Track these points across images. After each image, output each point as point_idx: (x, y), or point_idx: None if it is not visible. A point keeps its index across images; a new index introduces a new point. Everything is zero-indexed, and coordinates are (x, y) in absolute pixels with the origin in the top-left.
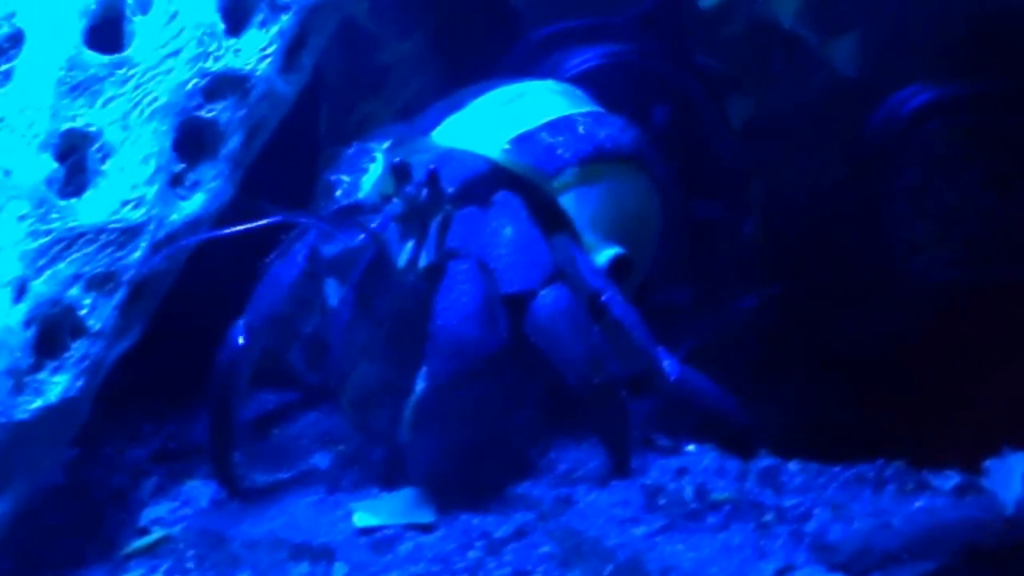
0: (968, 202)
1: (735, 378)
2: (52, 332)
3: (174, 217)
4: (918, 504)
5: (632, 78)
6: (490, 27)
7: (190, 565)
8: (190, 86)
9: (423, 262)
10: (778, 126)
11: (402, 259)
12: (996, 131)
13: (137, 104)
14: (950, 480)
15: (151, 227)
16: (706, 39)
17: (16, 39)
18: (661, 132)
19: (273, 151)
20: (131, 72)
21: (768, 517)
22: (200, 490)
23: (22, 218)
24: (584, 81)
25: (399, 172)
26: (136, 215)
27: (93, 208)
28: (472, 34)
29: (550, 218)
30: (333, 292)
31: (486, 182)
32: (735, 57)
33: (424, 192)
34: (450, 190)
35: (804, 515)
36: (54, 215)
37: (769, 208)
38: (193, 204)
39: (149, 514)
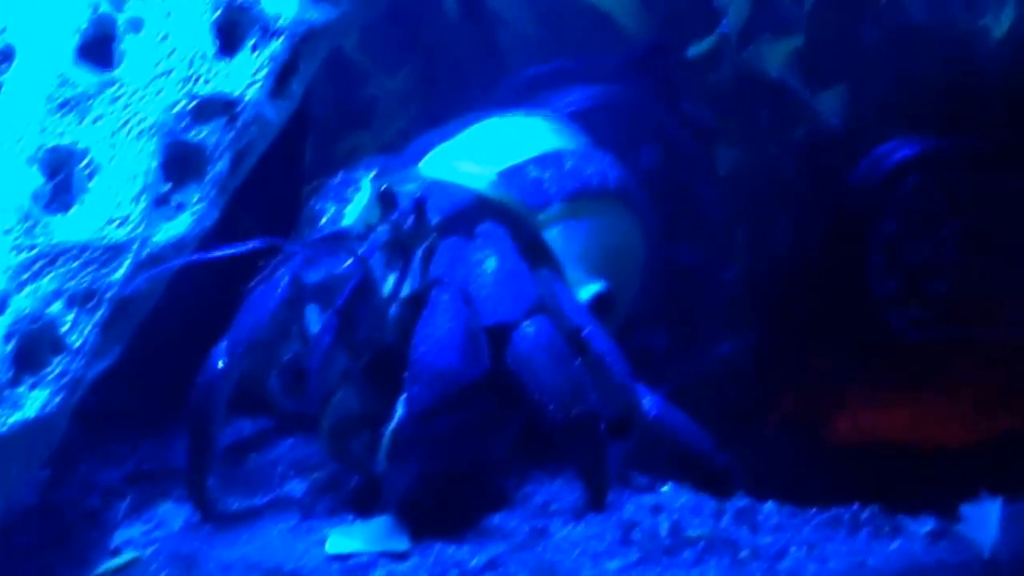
0: (943, 260)
1: (708, 423)
2: (32, 347)
3: (158, 238)
4: (893, 546)
5: (619, 120)
6: (477, 64)
7: None
8: (179, 107)
9: (406, 290)
10: (762, 175)
11: (385, 287)
12: (973, 189)
13: (126, 123)
14: (925, 525)
15: (135, 246)
16: (693, 86)
17: (7, 54)
18: (647, 175)
19: (258, 178)
20: (120, 91)
21: (743, 554)
22: (174, 512)
23: (6, 232)
24: (571, 121)
25: (385, 200)
26: (121, 234)
27: (78, 225)
28: (459, 70)
29: (534, 252)
30: (314, 319)
31: (472, 213)
32: (721, 105)
33: (410, 220)
34: (435, 219)
35: (779, 553)
36: (39, 230)
37: (750, 256)
38: (178, 226)
39: (121, 535)
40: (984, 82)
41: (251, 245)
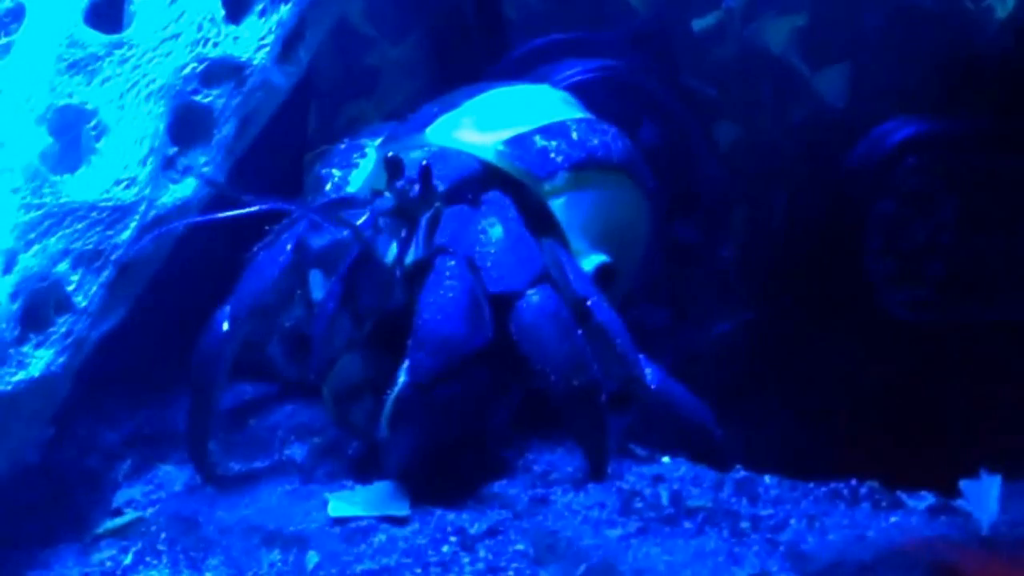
0: (941, 241)
1: (707, 400)
2: (38, 306)
3: (165, 200)
4: (893, 520)
5: (620, 94)
6: (482, 36)
7: (162, 547)
8: (187, 70)
9: (411, 257)
10: (762, 152)
11: (390, 254)
12: (972, 170)
13: (134, 85)
14: (924, 500)
15: (141, 208)
16: (696, 62)
17: (17, 14)
18: (646, 150)
19: (264, 144)
20: (130, 53)
21: (743, 525)
22: (174, 475)
23: (14, 191)
24: (573, 93)
25: (392, 166)
26: (127, 195)
27: (85, 185)
28: (464, 42)
29: (539, 221)
30: (318, 284)
31: (478, 181)
32: (723, 81)
33: (415, 188)
34: (441, 187)
35: (779, 525)
36: (46, 190)
37: (749, 233)
38: (184, 188)
39: (122, 496)
40: (986, 63)
41: (257, 207)
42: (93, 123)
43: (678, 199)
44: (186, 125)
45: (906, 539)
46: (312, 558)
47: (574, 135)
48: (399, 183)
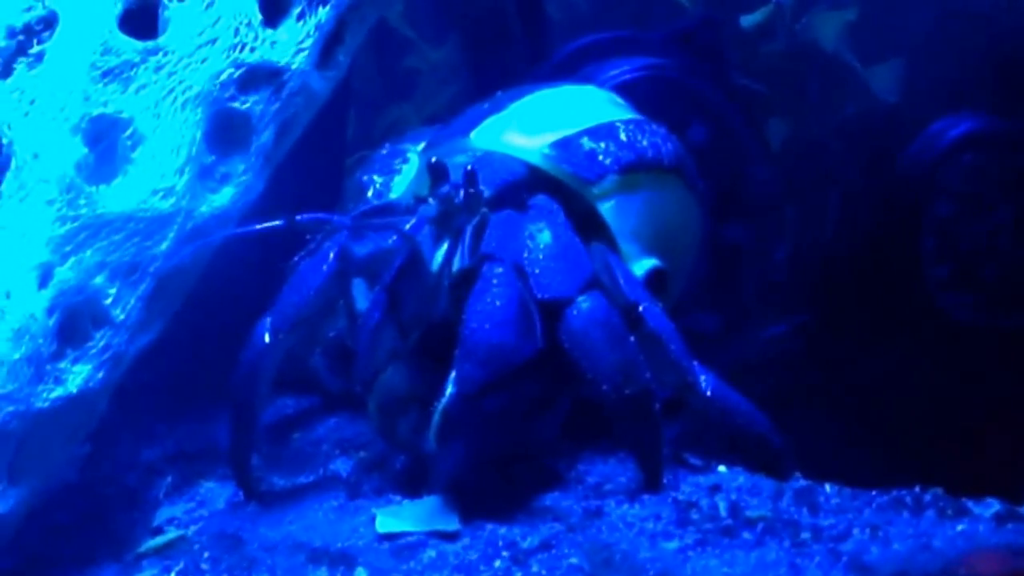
0: (997, 243)
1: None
2: (75, 321)
3: (203, 209)
4: (959, 528)
5: (668, 93)
6: (525, 36)
7: (205, 566)
8: (224, 76)
9: (457, 265)
10: (814, 150)
11: (435, 262)
12: None
13: (170, 92)
14: (990, 507)
15: (179, 219)
16: (745, 59)
17: (49, 22)
18: (696, 151)
19: (303, 150)
20: (165, 59)
21: (804, 535)
22: (216, 491)
23: (50, 202)
24: (620, 93)
25: (436, 172)
26: (165, 205)
27: (121, 196)
28: (506, 42)
29: (588, 225)
30: (360, 294)
31: (524, 186)
32: (773, 78)
33: (461, 193)
34: (487, 192)
35: (841, 535)
36: (82, 201)
37: (800, 235)
38: (222, 197)
39: (164, 514)
40: None
41: (301, 219)
42: (128, 132)
43: (728, 200)
44: (224, 132)
45: (973, 548)
46: (360, 575)
47: (623, 136)
48: (444, 189)
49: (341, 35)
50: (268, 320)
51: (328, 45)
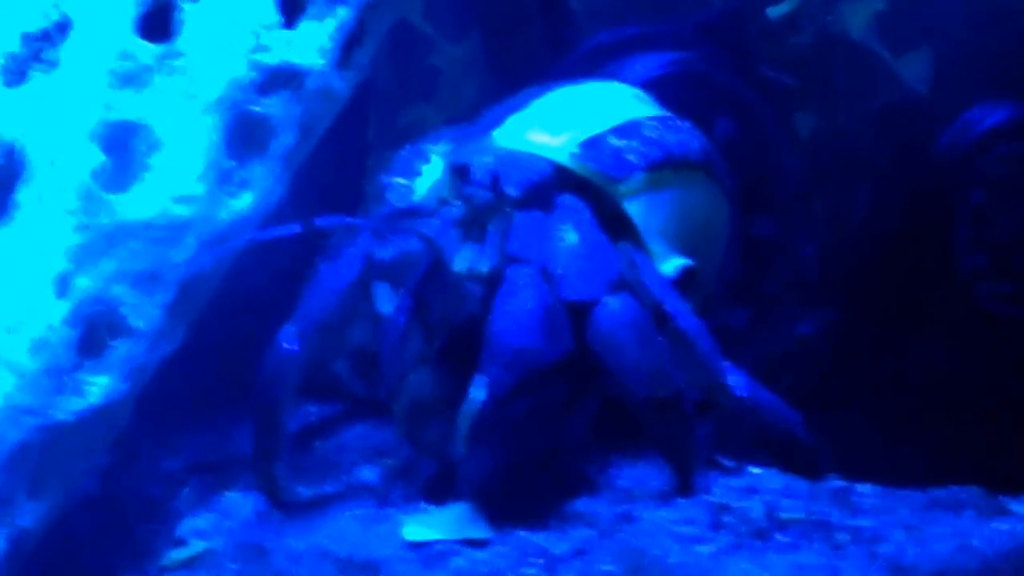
0: None
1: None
2: (95, 331)
3: (223, 215)
4: (1001, 527)
5: (694, 88)
6: (547, 31)
7: None
8: (243, 79)
9: (482, 268)
10: (843, 142)
11: (460, 264)
12: None
13: (188, 96)
14: None
15: (199, 225)
16: (772, 50)
17: (63, 26)
18: (724, 145)
19: (324, 152)
20: (182, 63)
21: (841, 537)
22: (240, 502)
23: (67, 211)
24: (645, 89)
25: (459, 173)
26: (184, 212)
27: (140, 203)
28: (528, 38)
29: (615, 225)
30: (383, 298)
31: (550, 185)
32: (801, 70)
33: (485, 195)
34: (513, 193)
35: (878, 536)
36: (100, 209)
37: (830, 228)
38: (242, 203)
39: (187, 525)
40: None
41: (324, 224)
42: (146, 138)
43: (755, 194)
44: (243, 136)
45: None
46: None
47: (649, 134)
48: (467, 190)
49: (361, 35)
50: (291, 326)
51: (348, 45)
